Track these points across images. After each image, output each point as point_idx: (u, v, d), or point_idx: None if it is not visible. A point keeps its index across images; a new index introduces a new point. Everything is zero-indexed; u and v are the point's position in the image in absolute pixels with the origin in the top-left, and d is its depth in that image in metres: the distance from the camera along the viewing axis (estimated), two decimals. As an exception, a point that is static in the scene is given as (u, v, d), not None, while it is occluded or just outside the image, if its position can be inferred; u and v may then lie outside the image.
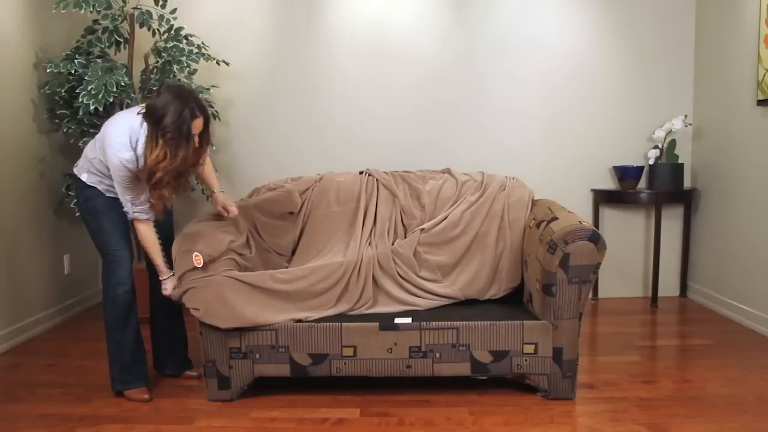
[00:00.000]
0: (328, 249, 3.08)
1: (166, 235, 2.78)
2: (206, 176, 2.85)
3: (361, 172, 3.32)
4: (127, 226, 2.66)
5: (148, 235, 2.59)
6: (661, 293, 4.36)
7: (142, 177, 2.46)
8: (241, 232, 2.92)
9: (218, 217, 2.92)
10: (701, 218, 4.19)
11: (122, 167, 2.44)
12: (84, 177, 2.61)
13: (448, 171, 3.31)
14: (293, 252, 3.18)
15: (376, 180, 3.23)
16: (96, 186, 2.60)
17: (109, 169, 2.51)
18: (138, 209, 2.54)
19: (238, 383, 2.66)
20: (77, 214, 2.88)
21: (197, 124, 2.39)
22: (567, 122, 4.29)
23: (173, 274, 2.63)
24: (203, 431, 2.40)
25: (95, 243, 2.65)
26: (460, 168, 4.27)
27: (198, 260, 2.58)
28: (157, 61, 3.84)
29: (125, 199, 2.52)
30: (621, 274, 4.39)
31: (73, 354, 3.32)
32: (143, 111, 2.39)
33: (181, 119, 2.33)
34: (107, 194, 2.60)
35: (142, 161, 2.43)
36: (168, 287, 2.66)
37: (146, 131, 2.38)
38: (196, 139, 2.43)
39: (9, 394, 2.78)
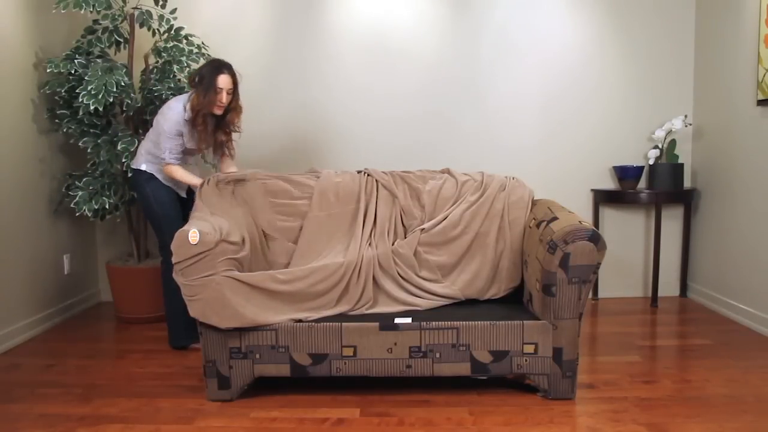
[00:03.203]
0: (329, 250, 3.08)
1: (185, 217, 3.33)
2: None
3: (359, 172, 3.32)
4: (180, 211, 3.33)
5: (180, 170, 3.20)
6: (661, 293, 4.36)
7: (188, 131, 3.16)
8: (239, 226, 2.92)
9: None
10: (701, 218, 4.19)
11: (174, 121, 3.12)
12: (144, 167, 3.27)
13: (447, 171, 3.31)
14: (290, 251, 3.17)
15: (376, 180, 3.23)
16: (156, 175, 3.27)
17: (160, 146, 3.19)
18: (173, 156, 3.17)
19: (238, 383, 2.66)
20: (140, 200, 3.37)
21: (222, 79, 3.07)
22: (567, 122, 4.29)
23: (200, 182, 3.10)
24: (203, 431, 2.40)
25: (159, 225, 3.27)
26: (460, 168, 4.28)
27: (194, 238, 2.58)
28: (157, 61, 3.84)
29: (166, 147, 3.14)
30: (621, 274, 4.39)
31: (73, 354, 3.32)
32: (188, 78, 3.22)
33: (210, 71, 3.07)
34: (165, 183, 3.29)
35: (187, 125, 3.15)
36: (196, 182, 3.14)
37: (190, 94, 3.13)
38: (224, 94, 3.08)
39: (9, 394, 2.78)
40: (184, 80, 3.90)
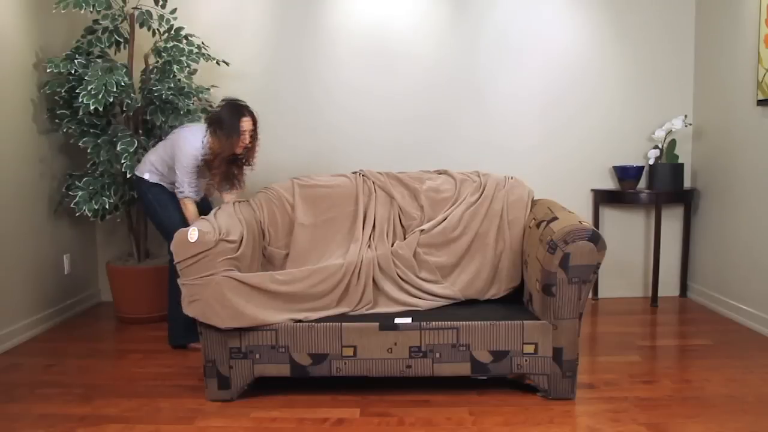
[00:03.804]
0: (330, 253, 3.08)
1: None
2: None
3: (354, 173, 3.32)
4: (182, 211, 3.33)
5: (194, 209, 3.25)
6: (661, 293, 4.36)
7: (202, 167, 3.17)
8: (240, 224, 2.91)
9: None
10: (701, 218, 4.19)
11: (193, 156, 3.14)
12: (146, 176, 3.31)
13: (445, 172, 3.32)
14: (287, 256, 3.16)
15: (372, 182, 3.23)
16: (159, 183, 3.31)
17: (169, 171, 3.26)
18: (191, 190, 3.21)
19: (238, 383, 2.66)
20: (143, 206, 3.42)
21: (245, 122, 3.11)
22: (567, 122, 4.29)
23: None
24: (203, 431, 2.40)
25: (164, 226, 3.30)
26: (460, 168, 4.28)
27: (193, 236, 2.58)
28: (157, 61, 3.84)
29: (185, 181, 3.18)
30: (621, 274, 4.39)
31: (73, 354, 3.32)
32: (206, 119, 3.21)
33: (233, 117, 3.08)
34: (169, 189, 3.32)
35: (202, 160, 3.18)
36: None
37: (208, 134, 3.13)
38: (246, 135, 3.12)
39: (9, 394, 2.78)
40: (185, 80, 3.90)
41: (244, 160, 3.27)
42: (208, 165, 3.14)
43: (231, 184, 3.30)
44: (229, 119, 3.07)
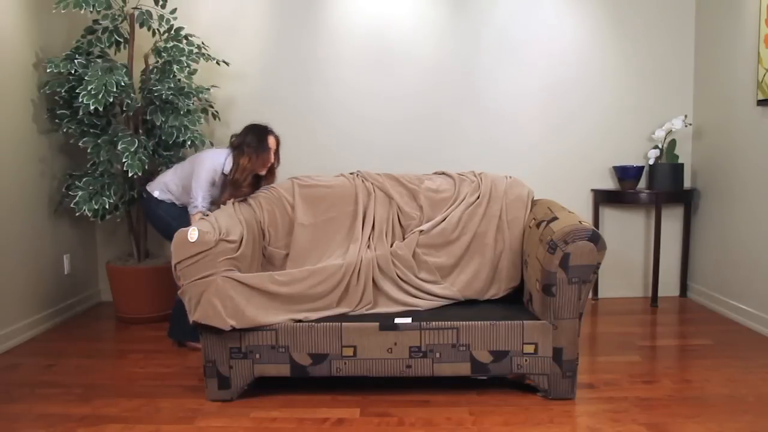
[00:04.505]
0: (330, 253, 3.08)
1: None
2: None
3: (351, 173, 3.32)
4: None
5: (200, 224, 3.07)
6: (661, 293, 4.36)
7: (230, 187, 3.23)
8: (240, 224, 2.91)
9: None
10: (701, 218, 4.19)
11: (212, 170, 3.23)
12: (156, 194, 3.38)
13: (443, 173, 3.32)
14: (287, 256, 3.16)
15: (371, 182, 3.23)
16: (166, 201, 3.38)
17: (182, 192, 3.35)
18: (204, 205, 3.25)
19: (238, 383, 2.66)
20: (153, 221, 3.44)
21: (271, 140, 3.26)
22: (567, 122, 4.29)
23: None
24: (203, 431, 2.40)
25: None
26: (460, 168, 4.28)
27: (193, 236, 2.58)
28: (157, 61, 3.84)
29: (199, 195, 3.23)
30: (621, 274, 4.39)
31: (73, 354, 3.32)
32: (231, 143, 3.28)
33: (258, 133, 3.24)
34: (178, 204, 3.40)
35: (222, 175, 3.27)
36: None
37: (232, 157, 3.23)
38: (271, 154, 3.25)
39: (9, 394, 2.78)
40: (185, 80, 3.90)
41: (260, 185, 3.36)
42: (236, 184, 3.19)
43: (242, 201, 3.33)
44: (257, 137, 3.22)
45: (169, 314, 3.96)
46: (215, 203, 3.34)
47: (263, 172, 3.30)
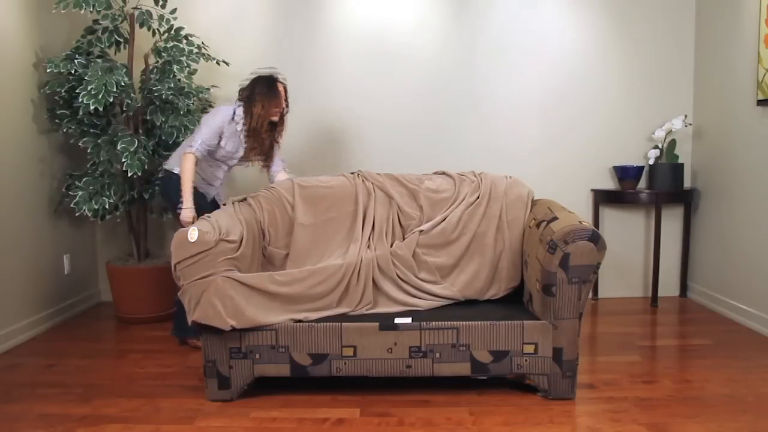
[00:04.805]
0: (330, 253, 3.08)
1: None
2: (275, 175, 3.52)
3: (352, 173, 3.32)
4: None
5: (192, 166, 3.19)
6: (661, 293, 4.36)
7: (236, 139, 3.29)
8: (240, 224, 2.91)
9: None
10: (701, 218, 4.19)
11: (221, 119, 3.24)
12: (177, 170, 3.29)
13: (443, 173, 3.32)
14: (287, 256, 3.16)
15: (371, 182, 3.23)
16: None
17: (203, 167, 3.33)
18: (203, 148, 3.20)
19: (238, 383, 2.66)
20: (170, 201, 3.37)
21: (280, 87, 3.29)
22: (567, 122, 4.29)
23: (192, 208, 3.17)
24: (203, 431, 2.40)
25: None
26: (460, 168, 4.28)
27: (193, 236, 2.58)
28: (157, 61, 3.84)
29: (198, 138, 3.19)
30: (621, 274, 4.39)
31: (73, 354, 3.33)
32: (240, 94, 3.31)
33: (266, 82, 3.26)
34: (196, 186, 3.34)
35: (234, 128, 3.29)
36: (187, 215, 3.15)
37: (244, 108, 3.26)
38: (282, 100, 3.29)
39: (9, 394, 2.78)
40: (185, 80, 3.90)
41: (276, 134, 3.40)
42: (256, 133, 3.26)
43: (270, 157, 3.42)
44: (266, 85, 3.26)
45: (169, 314, 3.96)
46: (246, 157, 3.37)
47: (276, 118, 3.33)
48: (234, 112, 3.27)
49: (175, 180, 3.29)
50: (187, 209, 3.16)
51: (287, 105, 3.37)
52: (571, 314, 2.57)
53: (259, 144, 3.31)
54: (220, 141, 3.27)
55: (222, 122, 3.25)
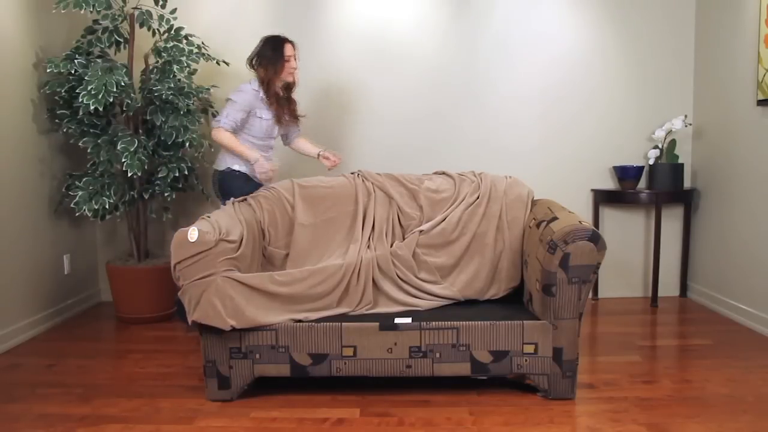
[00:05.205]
0: (330, 253, 3.08)
1: None
2: (301, 145, 3.66)
3: (352, 173, 3.32)
4: None
5: (230, 137, 3.31)
6: (661, 293, 4.36)
7: (258, 108, 3.35)
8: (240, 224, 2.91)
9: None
10: (701, 218, 4.19)
11: (246, 94, 3.31)
12: (236, 167, 3.38)
13: (443, 173, 3.32)
14: (287, 256, 3.16)
15: (371, 182, 3.23)
16: (245, 171, 3.38)
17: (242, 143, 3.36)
18: (229, 121, 3.29)
19: (238, 383, 2.66)
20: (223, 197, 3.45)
21: (287, 49, 3.34)
22: (567, 122, 4.29)
23: (259, 159, 3.29)
24: (203, 431, 2.40)
25: None
26: (460, 167, 4.28)
27: (193, 236, 2.57)
28: (157, 61, 3.84)
29: (225, 112, 3.29)
30: (621, 274, 4.39)
31: (73, 354, 3.33)
32: (248, 59, 3.38)
33: (274, 45, 3.34)
34: (252, 176, 3.41)
35: (255, 101, 3.34)
36: (264, 166, 3.30)
37: (256, 73, 3.36)
38: (292, 60, 3.36)
39: (9, 394, 2.78)
40: (185, 80, 3.90)
41: (293, 103, 3.49)
42: (273, 97, 3.35)
43: (294, 118, 3.52)
44: (272, 49, 3.33)
45: (169, 314, 3.97)
46: (278, 123, 3.41)
47: (291, 79, 3.41)
48: (253, 83, 3.34)
49: (226, 174, 3.38)
50: (257, 159, 3.28)
51: (297, 63, 3.42)
52: (571, 314, 2.57)
53: (281, 107, 3.39)
54: (255, 114, 3.34)
55: (247, 97, 3.31)
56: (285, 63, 3.34)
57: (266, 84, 3.33)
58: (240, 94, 3.32)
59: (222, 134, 3.30)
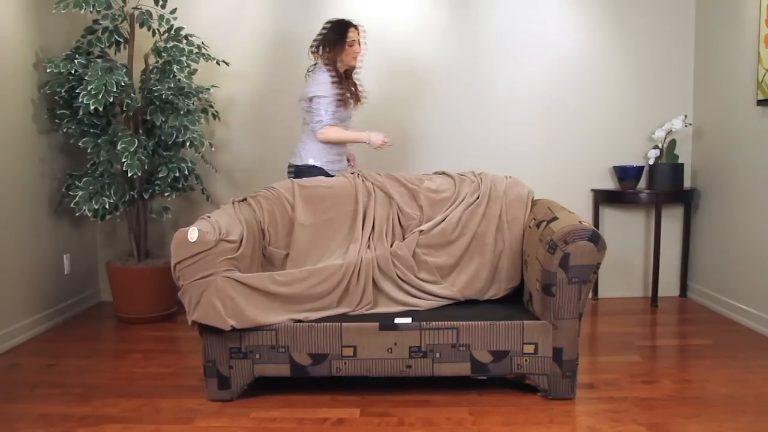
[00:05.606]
0: (330, 253, 3.08)
1: None
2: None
3: (352, 173, 3.32)
4: None
5: (337, 130, 3.36)
6: (661, 293, 4.36)
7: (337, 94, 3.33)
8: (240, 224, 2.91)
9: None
10: (701, 218, 4.19)
11: (328, 83, 3.30)
12: (311, 161, 3.40)
13: (443, 173, 3.32)
14: (287, 256, 3.15)
15: (371, 182, 3.23)
16: (324, 167, 3.40)
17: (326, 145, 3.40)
18: (329, 116, 3.31)
19: (238, 383, 2.66)
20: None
21: (351, 33, 3.35)
22: (567, 122, 4.29)
23: (371, 135, 3.36)
24: (203, 431, 2.40)
25: None
26: (460, 168, 4.28)
27: (193, 236, 2.57)
28: (157, 61, 3.84)
29: (320, 109, 3.29)
30: (621, 274, 4.39)
31: (73, 354, 3.33)
32: (312, 44, 3.41)
33: (337, 29, 3.34)
34: (332, 173, 3.43)
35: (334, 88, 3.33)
36: (377, 140, 3.36)
37: (320, 60, 3.38)
38: (356, 45, 3.37)
39: (9, 394, 2.78)
40: (185, 80, 3.90)
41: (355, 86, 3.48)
42: (341, 80, 3.34)
43: (358, 100, 3.50)
44: (334, 33, 3.34)
45: (169, 314, 3.97)
46: (345, 103, 3.39)
47: (354, 63, 3.42)
48: (322, 70, 3.34)
49: (303, 169, 3.40)
50: (369, 136, 3.34)
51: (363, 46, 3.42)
52: (571, 314, 2.57)
53: (347, 90, 3.38)
54: (335, 104, 3.34)
55: (330, 86, 3.30)
56: (348, 47, 3.34)
57: (334, 67, 3.34)
58: (322, 86, 3.31)
59: (329, 131, 3.32)
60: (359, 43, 3.39)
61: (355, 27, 3.38)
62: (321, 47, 3.37)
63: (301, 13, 4.22)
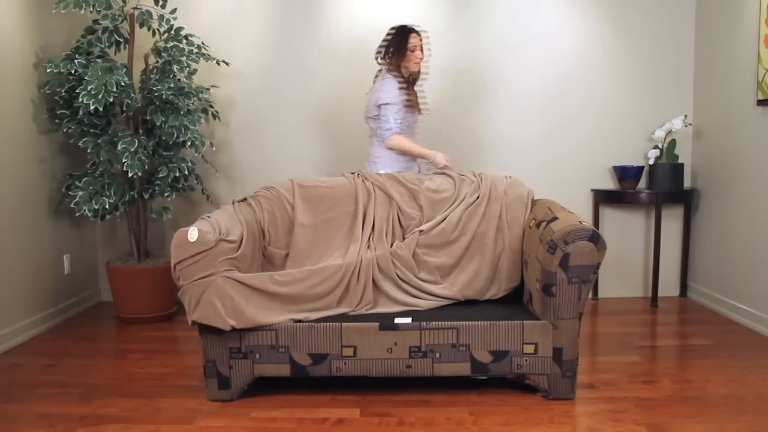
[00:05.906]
0: (330, 253, 3.08)
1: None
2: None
3: (352, 173, 3.32)
4: None
5: (405, 140, 3.43)
6: (661, 293, 4.36)
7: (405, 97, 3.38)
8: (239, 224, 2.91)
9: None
10: (701, 218, 4.19)
11: (397, 90, 3.35)
12: (383, 171, 3.38)
13: (443, 173, 3.32)
14: (287, 256, 3.15)
15: (371, 182, 3.23)
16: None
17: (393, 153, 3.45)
18: (397, 125, 3.37)
19: (238, 383, 2.66)
20: None
21: (412, 39, 3.37)
22: (567, 122, 4.29)
23: (437, 154, 3.44)
24: (203, 431, 2.40)
25: None
26: (460, 168, 4.28)
27: (193, 236, 2.57)
28: (157, 61, 3.84)
29: (389, 116, 3.35)
30: (621, 274, 4.39)
31: (73, 354, 3.33)
32: (377, 52, 3.46)
33: (399, 36, 3.38)
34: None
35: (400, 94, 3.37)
36: (441, 160, 3.44)
37: (385, 66, 3.43)
38: (418, 51, 3.38)
39: (9, 394, 2.78)
40: (185, 80, 3.90)
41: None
42: (407, 86, 3.39)
43: (417, 110, 3.53)
44: (396, 40, 3.37)
45: (169, 314, 3.97)
46: (412, 108, 3.44)
47: (416, 69, 3.44)
48: (390, 77, 3.37)
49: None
50: (435, 155, 3.42)
51: (424, 53, 3.43)
52: (571, 314, 2.57)
53: (412, 96, 3.41)
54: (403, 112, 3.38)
55: (398, 92, 3.35)
56: (410, 53, 3.37)
57: (402, 80, 3.38)
58: (391, 93, 3.35)
59: (397, 139, 3.38)
60: (421, 49, 3.40)
61: (417, 33, 3.39)
62: (385, 53, 3.42)
63: (300, 13, 4.22)
